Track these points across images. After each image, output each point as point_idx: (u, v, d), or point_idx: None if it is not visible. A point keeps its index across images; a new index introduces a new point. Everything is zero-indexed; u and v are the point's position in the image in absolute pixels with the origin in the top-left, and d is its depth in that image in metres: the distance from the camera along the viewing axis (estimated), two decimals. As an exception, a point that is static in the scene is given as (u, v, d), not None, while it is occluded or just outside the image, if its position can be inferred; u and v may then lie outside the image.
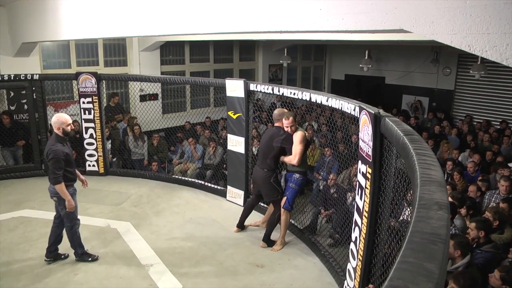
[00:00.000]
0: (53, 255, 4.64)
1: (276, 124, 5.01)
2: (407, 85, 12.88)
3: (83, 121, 7.43)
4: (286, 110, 5.12)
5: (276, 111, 5.08)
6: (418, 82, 12.67)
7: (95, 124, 7.38)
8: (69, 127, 4.40)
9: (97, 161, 7.57)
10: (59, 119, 4.34)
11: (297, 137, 4.85)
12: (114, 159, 8.07)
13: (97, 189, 6.84)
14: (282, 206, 5.00)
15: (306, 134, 5.03)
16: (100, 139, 7.49)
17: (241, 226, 5.46)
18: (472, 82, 11.51)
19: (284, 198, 5.00)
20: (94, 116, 7.37)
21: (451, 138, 9.31)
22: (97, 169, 7.59)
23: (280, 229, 5.14)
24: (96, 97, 7.31)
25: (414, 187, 1.87)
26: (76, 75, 7.34)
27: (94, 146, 7.49)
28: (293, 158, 4.82)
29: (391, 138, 2.82)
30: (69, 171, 4.39)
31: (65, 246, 4.69)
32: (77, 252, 4.64)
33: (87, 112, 7.37)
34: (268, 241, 5.15)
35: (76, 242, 4.60)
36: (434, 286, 1.05)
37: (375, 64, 12.79)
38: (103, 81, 7.51)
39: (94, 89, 7.28)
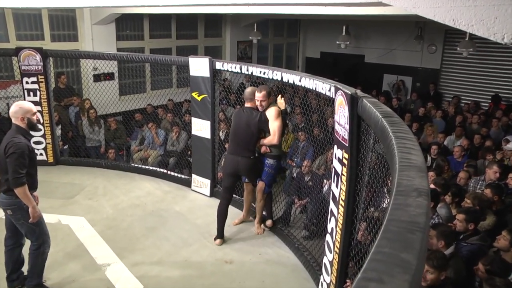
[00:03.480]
0: (17, 282, 4.12)
1: (248, 105, 4.96)
2: (389, 64, 13.04)
3: (27, 104, 7.18)
4: (256, 88, 5.11)
5: (248, 90, 5.03)
6: (400, 60, 12.84)
7: (42, 107, 7.14)
8: (34, 117, 3.85)
9: (45, 149, 7.37)
10: (22, 107, 3.78)
11: (272, 113, 4.85)
12: (66, 147, 7.90)
13: (46, 180, 6.65)
14: (262, 192, 5.12)
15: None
16: (49, 124, 7.28)
17: (223, 236, 5.14)
18: (460, 60, 11.68)
19: (262, 184, 5.08)
20: (40, 98, 7.13)
21: (436, 121, 9.49)
22: (45, 158, 7.39)
23: (257, 212, 5.31)
24: (42, 77, 7.07)
25: (392, 172, 1.90)
26: (17, 51, 7.03)
27: (41, 132, 7.25)
28: (272, 138, 4.84)
29: (369, 121, 2.85)
30: (31, 175, 3.84)
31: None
32: (32, 282, 4.05)
33: (31, 93, 7.12)
34: (272, 218, 5.44)
35: (38, 268, 4.04)
36: (411, 277, 1.07)
37: (354, 41, 12.87)
38: (50, 58, 7.26)
39: (40, 67, 7.04)
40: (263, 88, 4.88)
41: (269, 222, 5.43)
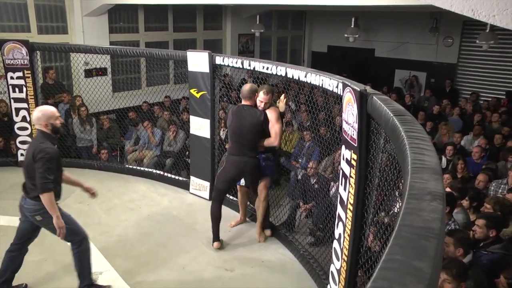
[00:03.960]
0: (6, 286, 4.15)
1: (246, 102, 4.97)
2: (401, 59, 13.02)
3: (12, 100, 7.19)
4: (256, 86, 5.11)
5: (246, 87, 5.02)
6: (413, 54, 12.82)
7: (28, 105, 7.16)
8: (58, 121, 3.92)
9: (32, 149, 7.37)
10: (45, 114, 3.84)
11: (274, 114, 4.88)
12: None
13: (34, 182, 6.69)
14: (267, 188, 5.15)
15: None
16: (36, 123, 7.29)
17: (219, 238, 5.18)
18: (479, 53, 11.61)
19: (266, 180, 5.12)
20: (26, 95, 7.14)
21: (452, 120, 9.45)
22: (32, 159, 7.40)
23: (258, 217, 5.29)
24: (29, 72, 7.08)
25: (404, 175, 1.90)
26: (0, 43, 7.07)
27: (28, 132, 7.28)
28: (274, 140, 4.88)
29: (380, 119, 2.85)
30: (58, 182, 3.95)
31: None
32: (84, 283, 4.15)
33: (17, 89, 7.12)
34: (272, 226, 5.46)
35: (86, 268, 4.16)
36: (425, 287, 1.07)
37: (363, 34, 12.87)
38: (37, 51, 7.28)
39: (26, 62, 7.04)
40: (269, 90, 4.89)
41: (268, 232, 5.45)
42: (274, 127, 4.86)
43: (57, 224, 3.84)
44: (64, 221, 3.90)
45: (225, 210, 5.39)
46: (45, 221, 3.92)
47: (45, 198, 3.74)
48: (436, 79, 12.52)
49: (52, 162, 3.77)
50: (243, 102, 5.00)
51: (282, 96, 5.13)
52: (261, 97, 4.86)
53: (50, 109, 3.95)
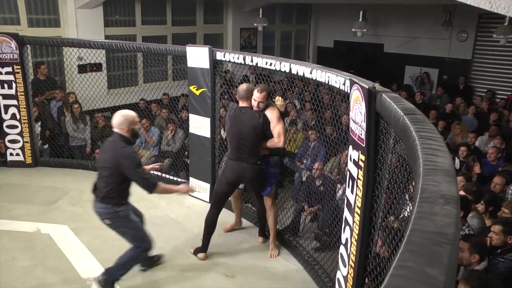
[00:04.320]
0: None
1: (243, 104, 4.92)
2: (411, 54, 13.02)
3: (0, 97, 7.20)
4: (252, 86, 5.08)
5: (243, 87, 4.96)
6: (425, 50, 12.80)
7: (18, 102, 7.18)
8: (138, 126, 4.18)
9: (22, 148, 7.40)
10: (128, 119, 4.03)
11: (274, 114, 4.84)
12: (46, 146, 7.92)
13: (23, 184, 6.71)
14: (273, 198, 5.13)
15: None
16: (26, 121, 7.31)
17: (206, 250, 5.11)
18: (495, 49, 11.56)
19: (273, 189, 5.09)
20: (16, 91, 7.15)
21: (467, 119, 9.42)
22: (22, 159, 7.43)
23: (270, 227, 5.22)
24: (19, 67, 7.08)
25: (416, 177, 1.89)
26: (-13, 37, 7.06)
27: (18, 130, 7.30)
28: (278, 141, 4.82)
29: (389, 118, 2.84)
30: (130, 183, 4.17)
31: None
32: (111, 277, 4.27)
33: (6, 85, 7.14)
34: (265, 234, 5.39)
35: (126, 267, 4.31)
36: (439, 296, 1.06)
37: (372, 28, 12.87)
38: (28, 45, 7.28)
39: (15, 56, 7.05)
40: (264, 88, 4.84)
41: (260, 239, 5.43)
42: (276, 127, 4.81)
43: (184, 190, 4.46)
44: (134, 227, 4.23)
45: (226, 213, 5.39)
46: (114, 225, 4.15)
47: (159, 191, 4.13)
48: (448, 76, 12.49)
49: (140, 164, 4.04)
50: (240, 104, 4.94)
51: (278, 98, 5.11)
52: (255, 96, 4.80)
53: (131, 113, 4.11)
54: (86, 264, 4.83)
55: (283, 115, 5.01)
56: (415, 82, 12.87)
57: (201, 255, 5.03)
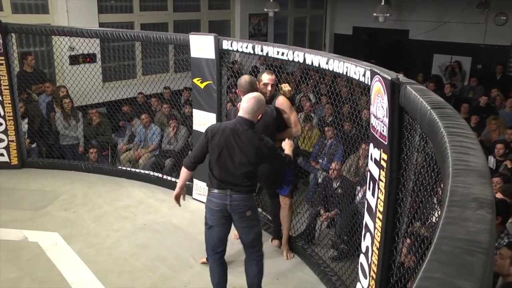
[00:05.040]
0: None
1: None
2: (441, 41, 12.92)
3: (-18, 91, 7.25)
4: (254, 77, 5.08)
5: (245, 79, 4.90)
6: (456, 36, 12.66)
7: (2, 97, 7.22)
8: None
9: (7, 148, 7.45)
10: (263, 103, 4.09)
11: (285, 103, 4.90)
12: (34, 145, 7.96)
13: (8, 187, 6.74)
14: (291, 195, 5.18)
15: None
16: (12, 118, 7.36)
17: None
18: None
19: (289, 188, 5.12)
20: (0, 85, 7.20)
21: (504, 113, 9.33)
22: (7, 160, 7.48)
23: (285, 228, 5.25)
24: (2, 58, 7.12)
25: (444, 178, 1.88)
26: (-35, 25, 7.08)
27: (2, 128, 7.34)
28: (296, 130, 4.92)
29: (415, 113, 2.83)
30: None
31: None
32: None
33: (-13, 79, 7.19)
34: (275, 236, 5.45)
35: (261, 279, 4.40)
36: (471, 312, 1.05)
37: (396, 13, 12.80)
38: (12, 34, 7.32)
39: (-2, 46, 7.09)
40: (268, 71, 4.97)
41: (276, 243, 5.46)
42: (290, 116, 4.88)
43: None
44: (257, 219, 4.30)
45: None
46: (252, 216, 4.16)
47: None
48: (483, 65, 12.37)
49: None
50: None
51: (284, 84, 5.14)
52: (266, 79, 4.88)
53: (263, 97, 4.17)
54: (78, 276, 4.83)
55: (291, 102, 5.05)
56: (445, 72, 12.78)
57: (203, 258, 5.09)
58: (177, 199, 4.31)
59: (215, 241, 4.21)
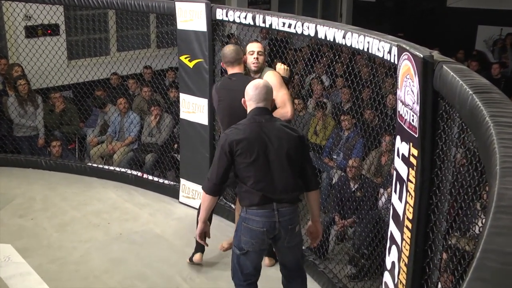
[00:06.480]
0: None
1: (234, 70, 4.96)
2: (487, 9, 12.80)
3: None
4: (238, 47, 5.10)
5: (229, 48, 4.98)
6: (507, 2, 12.54)
7: None
8: None
9: None
10: (272, 88, 4.15)
11: (275, 78, 4.86)
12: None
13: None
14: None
15: None
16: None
17: (203, 249, 5.26)
18: None
19: None
20: None
21: None
22: None
23: None
24: None
25: (490, 179, 1.88)
26: None
27: None
28: (284, 111, 4.80)
29: (453, 99, 2.83)
30: None
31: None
32: None
33: None
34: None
35: None
36: None
37: (429, -25, 12.78)
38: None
39: None
40: (254, 40, 5.04)
41: (267, 261, 5.32)
42: (278, 94, 4.74)
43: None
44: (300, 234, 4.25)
45: (223, 223, 5.41)
46: (298, 232, 4.14)
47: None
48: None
49: None
50: (229, 71, 4.99)
51: (278, 63, 5.14)
52: (253, 47, 4.92)
53: (269, 82, 4.21)
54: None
55: (286, 82, 5.03)
56: (492, 48, 12.72)
57: (197, 256, 5.19)
58: (202, 237, 4.20)
59: (250, 269, 4.09)
